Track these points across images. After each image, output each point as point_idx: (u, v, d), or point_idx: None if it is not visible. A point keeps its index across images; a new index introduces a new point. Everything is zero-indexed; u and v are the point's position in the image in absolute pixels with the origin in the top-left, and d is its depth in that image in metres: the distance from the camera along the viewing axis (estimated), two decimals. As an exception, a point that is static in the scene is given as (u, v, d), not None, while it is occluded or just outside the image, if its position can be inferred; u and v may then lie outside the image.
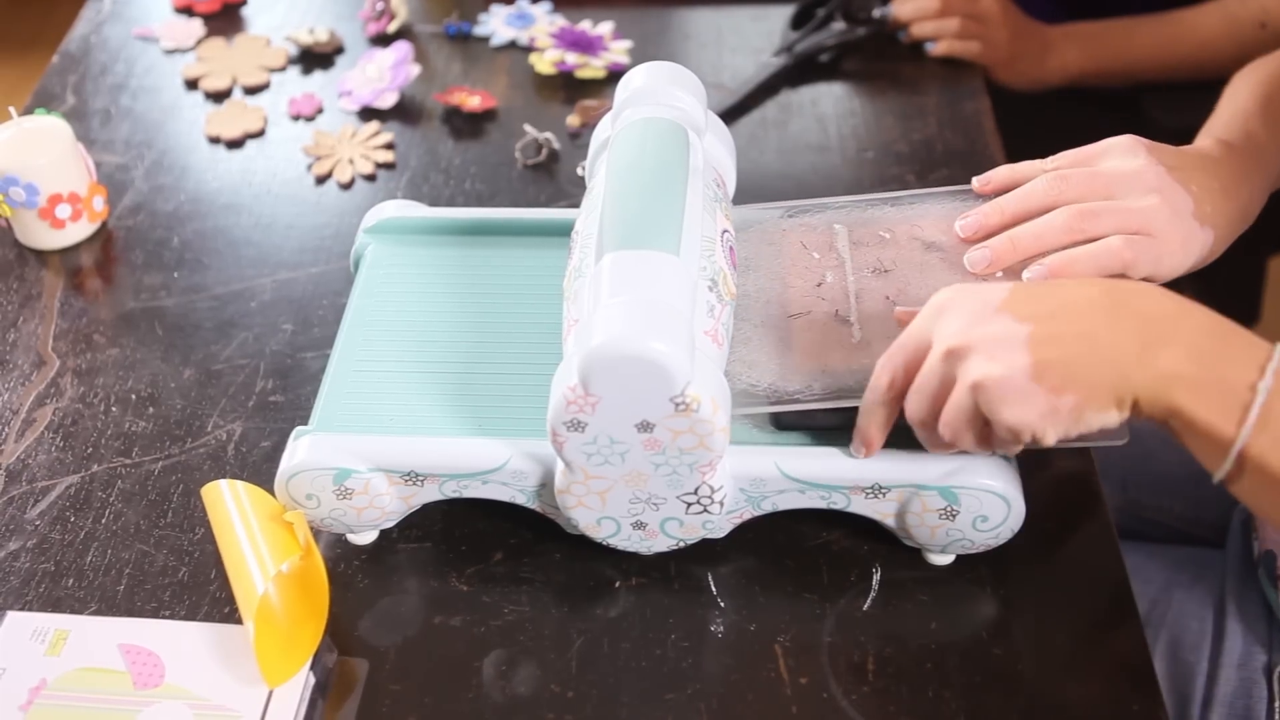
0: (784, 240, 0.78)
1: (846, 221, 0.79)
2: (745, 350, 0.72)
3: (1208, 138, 0.80)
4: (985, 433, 0.64)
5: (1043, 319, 0.61)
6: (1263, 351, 0.59)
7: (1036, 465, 0.73)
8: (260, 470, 0.81)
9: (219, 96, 1.13)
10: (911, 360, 0.65)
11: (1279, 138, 0.82)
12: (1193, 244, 0.72)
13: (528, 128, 1.06)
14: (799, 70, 1.13)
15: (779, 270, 0.76)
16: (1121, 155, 0.73)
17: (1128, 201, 0.71)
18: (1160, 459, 0.98)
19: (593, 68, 1.13)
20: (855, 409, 0.68)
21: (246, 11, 1.23)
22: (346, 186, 1.04)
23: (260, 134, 1.09)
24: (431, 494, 0.73)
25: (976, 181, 0.77)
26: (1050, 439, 0.61)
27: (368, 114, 1.10)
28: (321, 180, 1.04)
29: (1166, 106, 1.24)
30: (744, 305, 0.75)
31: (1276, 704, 0.79)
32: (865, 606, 0.73)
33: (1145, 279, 0.71)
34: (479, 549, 0.76)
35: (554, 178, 1.03)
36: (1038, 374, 0.60)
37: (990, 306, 0.62)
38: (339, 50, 1.18)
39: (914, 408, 0.65)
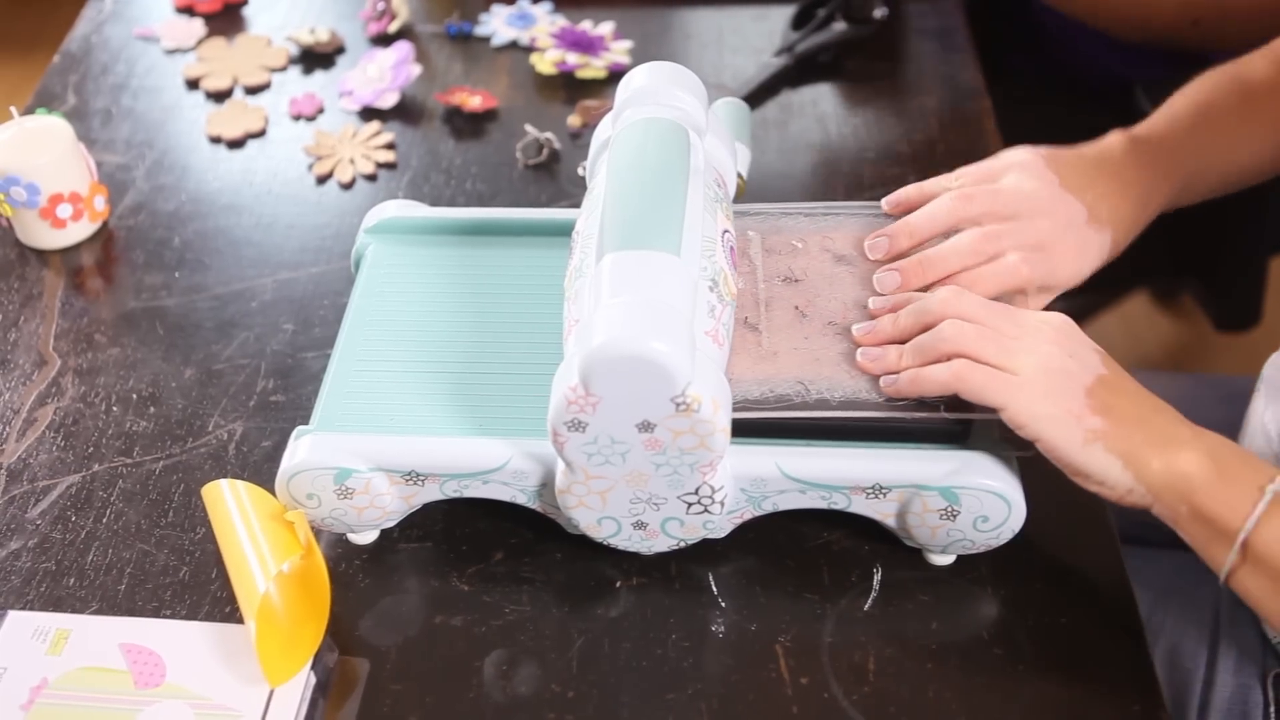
0: None
1: (761, 229, 0.80)
2: None
3: (1119, 133, 0.84)
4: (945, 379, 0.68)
5: (1115, 372, 0.68)
6: (1271, 470, 0.64)
7: (1038, 466, 0.73)
8: (261, 470, 0.81)
9: (220, 96, 1.13)
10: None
11: (1200, 139, 0.85)
12: (1088, 251, 0.78)
13: (529, 128, 1.06)
14: (800, 70, 1.13)
15: None
16: (1020, 173, 0.78)
17: (1025, 220, 0.76)
18: None
19: (594, 68, 1.13)
20: (758, 421, 0.69)
21: (247, 11, 1.23)
22: (347, 186, 1.04)
23: (261, 134, 1.09)
24: (432, 494, 0.73)
25: (886, 204, 0.80)
26: (1040, 431, 0.66)
27: (369, 114, 1.10)
28: (322, 180, 1.04)
29: (1162, 103, 1.23)
30: None
31: (1272, 709, 0.79)
32: (866, 607, 0.73)
33: (1043, 289, 0.77)
34: (480, 549, 0.76)
35: (555, 178, 1.03)
36: (1089, 396, 0.66)
37: (1082, 346, 0.69)
38: (340, 50, 1.18)
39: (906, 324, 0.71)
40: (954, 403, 0.68)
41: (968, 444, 0.70)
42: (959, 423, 0.70)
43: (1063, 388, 0.66)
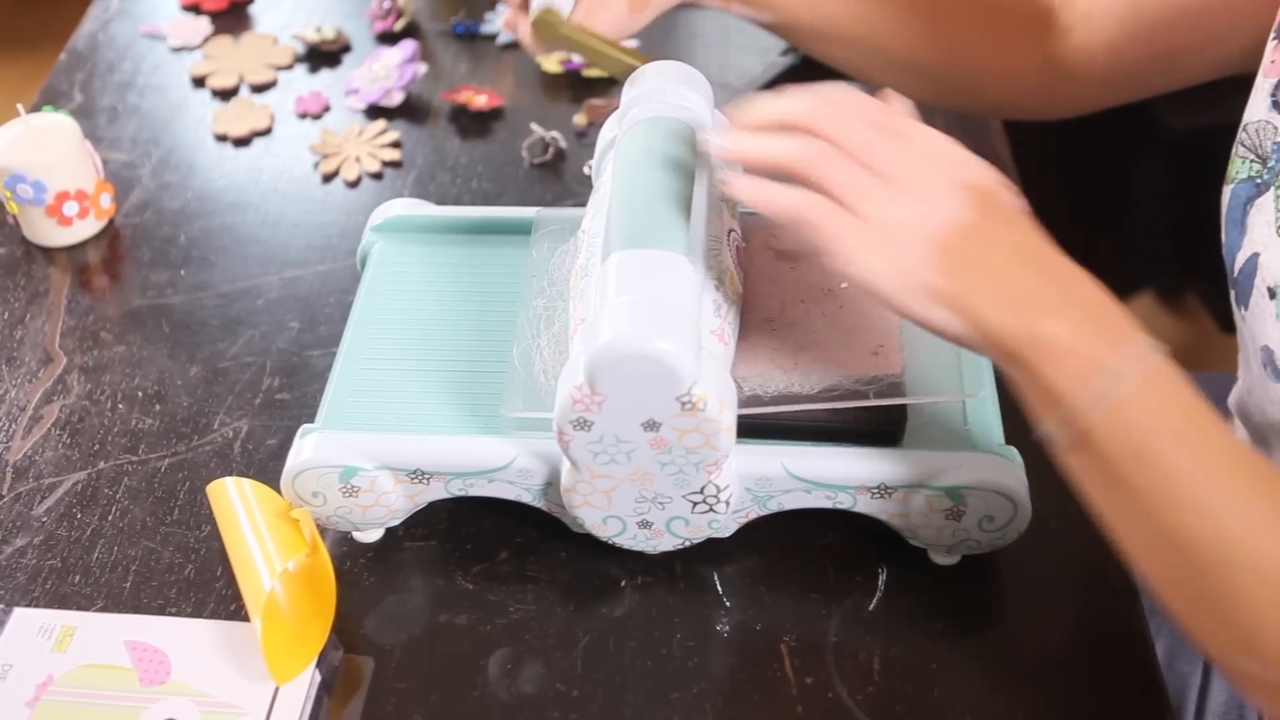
0: None
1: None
2: (562, 355, 0.72)
3: None
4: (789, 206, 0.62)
5: (985, 211, 0.61)
6: (1139, 343, 0.59)
7: (1044, 465, 0.73)
8: (266, 468, 0.81)
9: (226, 94, 1.13)
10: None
11: None
12: None
13: (534, 126, 1.06)
14: (806, 70, 1.13)
15: None
16: None
17: None
18: None
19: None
20: None
21: (254, 10, 1.23)
22: (353, 185, 1.04)
23: (267, 132, 1.09)
24: (437, 492, 0.73)
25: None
26: (876, 292, 0.61)
27: (374, 112, 1.10)
28: (328, 178, 1.05)
29: (1175, 108, 1.23)
30: (565, 309, 0.74)
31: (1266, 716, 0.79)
32: (871, 606, 0.73)
33: None
34: (485, 547, 0.76)
35: (560, 176, 1.03)
36: (932, 244, 0.60)
37: (961, 171, 0.62)
38: (346, 48, 1.18)
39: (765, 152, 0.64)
40: (884, 390, 0.68)
41: (901, 444, 0.70)
42: (892, 421, 0.69)
43: (909, 239, 0.60)
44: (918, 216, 0.61)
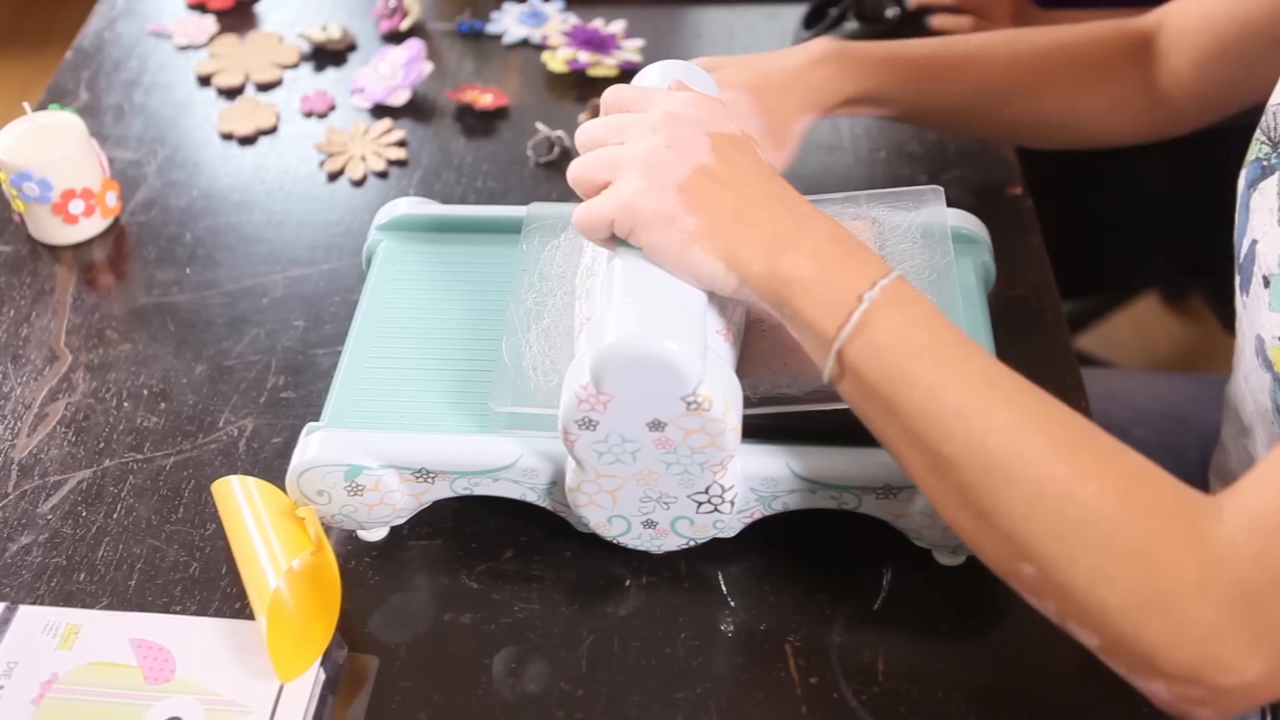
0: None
1: None
2: (550, 351, 0.72)
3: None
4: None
5: (724, 158, 0.65)
6: (880, 270, 0.62)
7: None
8: (271, 466, 0.81)
9: (232, 93, 1.13)
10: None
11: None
12: None
13: (540, 126, 1.06)
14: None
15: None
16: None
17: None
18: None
19: (605, 66, 1.13)
20: None
21: (259, 8, 1.23)
22: (359, 183, 1.04)
23: (273, 131, 1.09)
24: (442, 491, 0.73)
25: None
26: (642, 237, 0.64)
27: (380, 111, 1.10)
28: (334, 177, 1.05)
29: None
30: (566, 311, 0.74)
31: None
32: (876, 607, 0.73)
33: None
34: (489, 546, 0.76)
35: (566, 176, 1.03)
36: (684, 189, 0.63)
37: (705, 117, 0.66)
38: (351, 47, 1.18)
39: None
40: None
41: None
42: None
43: (657, 185, 0.63)
44: (662, 160, 0.64)
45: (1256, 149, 0.74)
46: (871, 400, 0.62)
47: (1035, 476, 0.57)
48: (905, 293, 0.62)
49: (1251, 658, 0.55)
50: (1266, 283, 0.69)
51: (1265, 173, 0.71)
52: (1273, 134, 0.72)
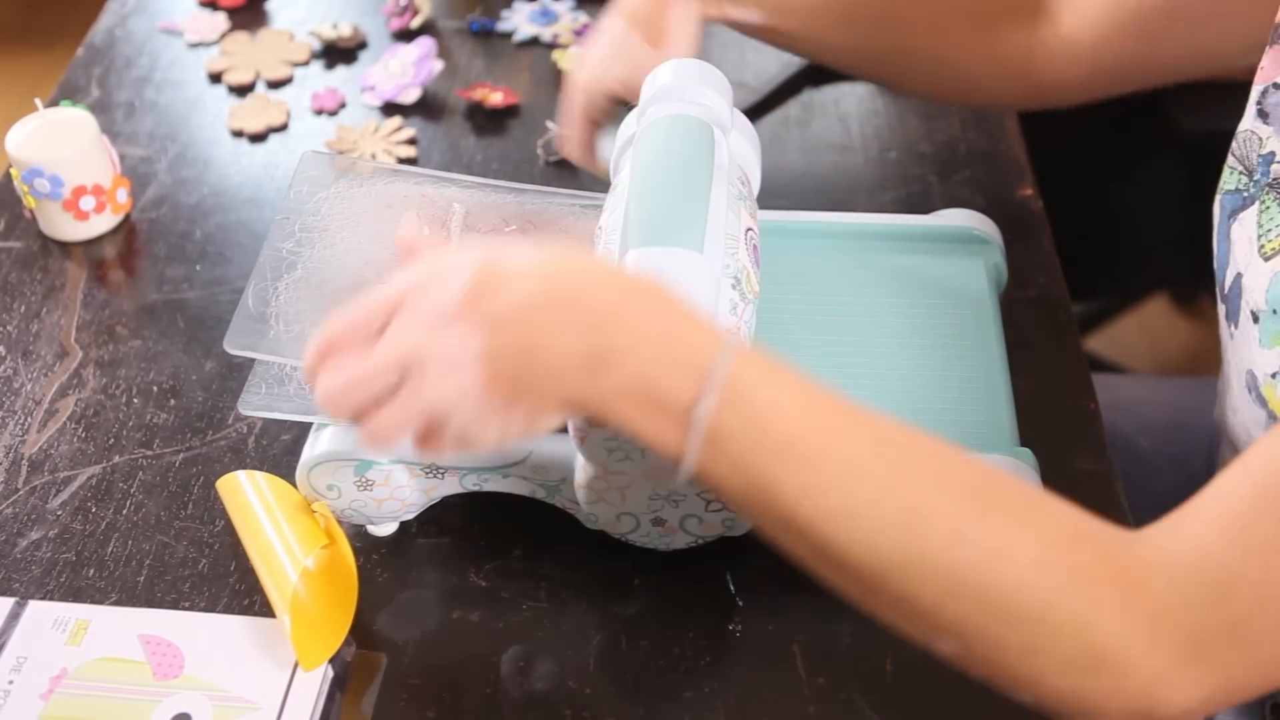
0: (401, 206, 0.75)
1: (468, 202, 0.78)
2: (297, 302, 0.69)
3: None
4: (429, 434, 0.59)
5: (495, 327, 0.56)
6: (706, 359, 0.55)
7: (1057, 466, 0.73)
8: (280, 463, 0.81)
9: (242, 90, 1.13)
10: (364, 332, 0.58)
11: None
12: None
13: (550, 124, 1.06)
14: (822, 69, 1.13)
15: (379, 234, 0.74)
16: None
17: None
18: (1164, 479, 0.98)
19: (615, 65, 1.13)
20: None
21: (270, 6, 1.23)
22: (369, 181, 1.04)
23: (283, 128, 1.09)
24: (452, 486, 0.73)
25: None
26: (500, 443, 0.59)
27: (390, 109, 1.11)
28: (344, 175, 1.05)
29: (1189, 109, 1.23)
30: (321, 265, 0.71)
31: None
32: (884, 607, 0.73)
33: None
34: (498, 544, 0.76)
35: (576, 174, 1.03)
36: (490, 388, 0.57)
37: (450, 306, 0.57)
38: (362, 45, 1.18)
39: (353, 400, 0.58)
40: None
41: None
42: None
43: (464, 383, 0.56)
44: (447, 354, 0.56)
45: (1233, 179, 0.71)
46: (740, 471, 0.56)
47: (942, 566, 0.53)
48: (743, 384, 0.55)
49: (1198, 689, 0.53)
50: (1255, 318, 0.67)
51: (1245, 203, 0.69)
52: (1246, 161, 0.70)
